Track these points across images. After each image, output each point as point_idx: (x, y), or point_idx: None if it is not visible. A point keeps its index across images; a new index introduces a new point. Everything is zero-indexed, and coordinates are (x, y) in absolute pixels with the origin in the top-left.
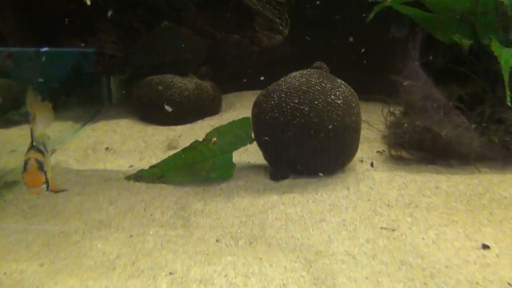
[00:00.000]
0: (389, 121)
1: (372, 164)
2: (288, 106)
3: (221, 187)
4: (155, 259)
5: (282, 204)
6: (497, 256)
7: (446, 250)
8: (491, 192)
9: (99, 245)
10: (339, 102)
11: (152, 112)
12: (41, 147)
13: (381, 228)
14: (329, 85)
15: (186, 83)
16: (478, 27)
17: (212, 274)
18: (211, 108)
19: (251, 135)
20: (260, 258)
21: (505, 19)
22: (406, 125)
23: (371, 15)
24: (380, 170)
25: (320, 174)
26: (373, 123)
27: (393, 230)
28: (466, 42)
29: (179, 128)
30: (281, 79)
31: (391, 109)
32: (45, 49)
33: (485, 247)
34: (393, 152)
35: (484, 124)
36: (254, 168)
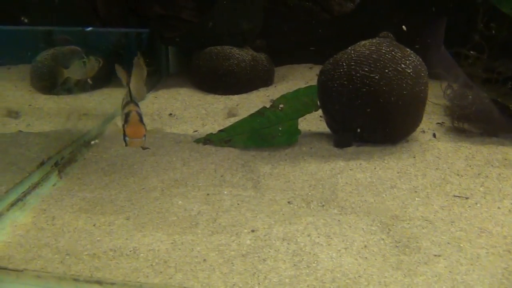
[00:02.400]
0: (451, 93)
1: (434, 135)
2: (358, 74)
3: (286, 153)
4: (235, 216)
5: (350, 170)
6: None
7: None
8: None
9: (180, 202)
10: (409, 71)
11: (210, 81)
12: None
13: (454, 196)
14: (400, 54)
15: (243, 55)
16: None
17: (294, 233)
18: (265, 79)
19: (317, 103)
20: (339, 220)
21: None
22: (471, 96)
23: None
24: (443, 140)
25: (385, 142)
26: (430, 97)
27: (466, 198)
28: None
29: (236, 97)
30: (350, 47)
31: (450, 83)
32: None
33: None
34: (456, 124)
35: None
36: (316, 135)
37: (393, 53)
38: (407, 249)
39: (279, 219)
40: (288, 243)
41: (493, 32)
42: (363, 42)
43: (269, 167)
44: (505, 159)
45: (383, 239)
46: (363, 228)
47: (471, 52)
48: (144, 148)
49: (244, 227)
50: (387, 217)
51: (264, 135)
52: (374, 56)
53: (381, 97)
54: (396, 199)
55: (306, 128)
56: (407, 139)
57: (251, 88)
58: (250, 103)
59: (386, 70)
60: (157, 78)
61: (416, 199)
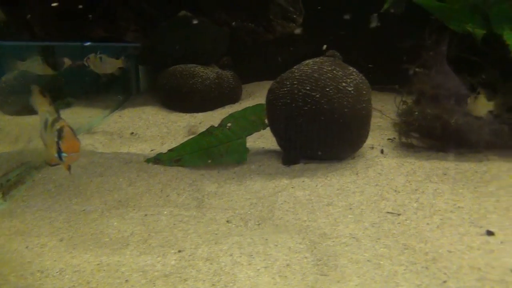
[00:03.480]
0: (401, 110)
1: (382, 151)
2: (300, 93)
3: (235, 171)
4: (166, 237)
5: (292, 187)
6: (501, 243)
7: (450, 235)
8: (499, 180)
9: (115, 223)
10: (350, 89)
11: (175, 99)
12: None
13: (387, 212)
14: (341, 73)
15: (208, 73)
16: (492, 16)
17: (218, 253)
18: (231, 96)
19: (265, 121)
20: (266, 239)
21: None
22: (416, 113)
23: (386, 5)
24: (390, 156)
25: (330, 159)
26: (387, 112)
27: (398, 215)
28: (479, 32)
29: (200, 115)
30: (295, 66)
31: (404, 98)
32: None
33: (490, 233)
34: (403, 140)
35: (495, 113)
36: (268, 153)
37: (334, 72)
38: (325, 267)
39: (208, 239)
40: (210, 263)
41: (444, 48)
42: (307, 61)
43: (215, 186)
44: (445, 174)
45: (306, 257)
46: (290, 247)
47: (420, 68)
48: (69, 169)
49: (172, 248)
50: (316, 235)
51: (213, 154)
52: (315, 75)
53: (323, 115)
54: (329, 216)
55: (261, 145)
56: (354, 155)
57: (217, 106)
58: (213, 120)
59: (327, 89)
60: (124, 97)
61: (349, 216)
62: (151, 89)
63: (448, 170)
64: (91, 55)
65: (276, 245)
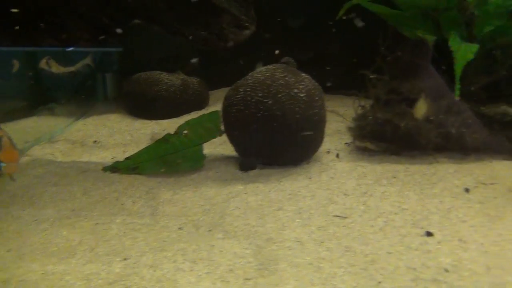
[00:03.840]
0: (356, 114)
1: (337, 155)
2: (253, 100)
3: (192, 178)
4: (114, 245)
5: (245, 193)
6: (439, 243)
7: (392, 237)
8: (445, 181)
9: (64, 233)
10: (302, 95)
11: (140, 107)
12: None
13: (334, 216)
14: (293, 79)
15: (173, 79)
16: (442, 23)
17: (162, 260)
18: (198, 103)
19: (221, 128)
20: (212, 245)
21: (468, 15)
22: (370, 117)
23: (341, 13)
24: (345, 160)
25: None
26: (348, 117)
27: (345, 218)
28: (430, 38)
29: (165, 122)
30: (249, 73)
31: (362, 103)
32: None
33: (429, 234)
34: (358, 144)
35: (441, 116)
36: (226, 159)
37: (286, 78)
38: (266, 272)
39: (155, 247)
40: (154, 270)
41: (399, 54)
42: (260, 69)
43: (171, 193)
44: (394, 177)
45: (250, 262)
46: (235, 252)
47: (374, 74)
48: (13, 179)
49: (119, 256)
50: (263, 240)
51: (169, 161)
52: (268, 82)
53: (275, 121)
54: (277, 221)
55: (220, 152)
56: (310, 160)
57: (183, 112)
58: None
59: (279, 95)
60: (90, 104)
61: (297, 220)
62: (118, 96)
63: (398, 172)
64: (43, 60)
65: (222, 251)
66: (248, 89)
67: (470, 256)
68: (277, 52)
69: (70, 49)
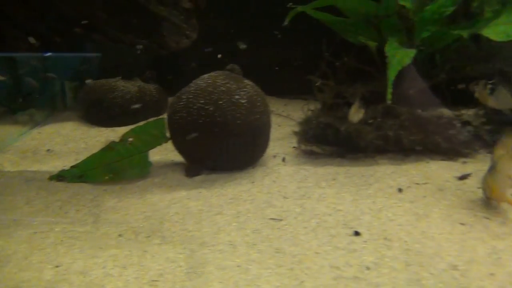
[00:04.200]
0: (302, 119)
1: (284, 159)
2: (195, 107)
3: (138, 185)
4: (48, 253)
5: (187, 199)
6: (365, 242)
7: (322, 237)
8: (381, 182)
9: (0, 242)
10: (243, 101)
11: (96, 114)
12: None
13: (270, 219)
14: (235, 86)
15: (129, 86)
16: (383, 29)
17: (92, 266)
18: (155, 109)
19: (166, 135)
20: (145, 251)
21: (408, 22)
22: (314, 121)
23: (287, 20)
24: (290, 164)
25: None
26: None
27: (280, 220)
28: (372, 44)
29: (121, 130)
30: (193, 81)
31: (312, 107)
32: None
33: (357, 234)
34: (303, 147)
35: (378, 120)
36: (174, 165)
37: (228, 85)
38: (193, 275)
39: (89, 253)
40: (84, 276)
41: (345, 59)
42: (203, 76)
43: (116, 201)
44: (334, 179)
45: (181, 266)
46: (168, 257)
47: (319, 80)
48: None
49: (51, 263)
50: (197, 244)
51: (115, 169)
52: (209, 89)
53: (216, 128)
54: (214, 225)
55: (170, 158)
56: (256, 164)
57: (139, 119)
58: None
59: (220, 102)
60: (47, 112)
61: (233, 224)
62: (76, 104)
63: (338, 175)
64: None
65: (154, 256)
66: (190, 96)
67: (393, 254)
68: (219, 56)
69: (48, 54)
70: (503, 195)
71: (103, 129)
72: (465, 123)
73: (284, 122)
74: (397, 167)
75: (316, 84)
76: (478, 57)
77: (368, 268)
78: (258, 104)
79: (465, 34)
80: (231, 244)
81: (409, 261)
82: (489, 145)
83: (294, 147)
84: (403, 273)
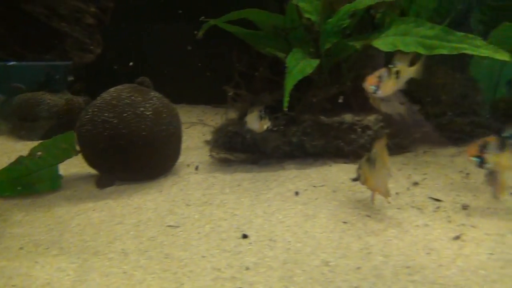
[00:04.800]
0: (215, 127)
1: (197, 168)
2: (99, 119)
3: (48, 198)
4: None
5: (93, 210)
6: (250, 244)
7: (212, 241)
8: (281, 187)
9: None
10: (148, 113)
11: (22, 128)
12: None
13: (168, 226)
14: (140, 99)
15: (56, 100)
16: (291, 40)
17: None
18: None
19: (75, 148)
20: (36, 261)
21: (314, 33)
22: (224, 130)
23: (201, 33)
24: (201, 172)
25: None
26: None
27: (177, 227)
28: (281, 55)
29: None
30: (100, 94)
31: (230, 115)
32: None
33: (245, 236)
34: (214, 155)
35: (281, 127)
36: (89, 177)
37: (132, 97)
38: (78, 283)
39: None
40: None
41: (260, 69)
42: (110, 89)
43: (23, 215)
44: (239, 185)
45: (69, 275)
46: (59, 267)
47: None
48: None
49: None
50: (90, 254)
51: (24, 183)
52: (114, 102)
53: (121, 140)
54: (112, 235)
55: (87, 171)
56: (168, 174)
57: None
58: None
59: (124, 114)
60: None
61: (131, 232)
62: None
63: (244, 181)
64: None
65: (44, 266)
66: (95, 110)
67: (274, 254)
68: (131, 63)
69: (11, 63)
70: (377, 186)
71: (29, 142)
72: (366, 127)
73: (210, 130)
74: (301, 171)
75: (229, 94)
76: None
77: (247, 268)
78: (164, 115)
79: (358, 45)
80: (123, 252)
81: (287, 259)
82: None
83: (210, 155)
84: (278, 271)
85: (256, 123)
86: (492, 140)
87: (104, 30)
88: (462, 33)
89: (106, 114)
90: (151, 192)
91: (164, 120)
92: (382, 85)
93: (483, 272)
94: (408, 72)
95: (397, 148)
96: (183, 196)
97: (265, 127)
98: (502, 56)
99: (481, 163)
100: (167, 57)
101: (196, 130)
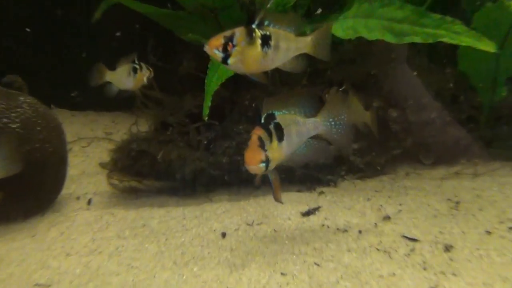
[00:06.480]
0: (115, 146)
1: (89, 201)
2: None
3: None
4: None
5: None
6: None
7: None
8: (204, 226)
9: None
10: (13, 126)
11: None
12: None
13: (35, 285)
14: (3, 106)
15: None
16: (223, 22)
17: None
18: None
19: None
20: None
21: (251, 11)
22: (126, 149)
23: (98, 14)
24: (95, 207)
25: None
26: None
27: (48, 286)
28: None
29: None
30: None
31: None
32: None
33: None
34: (117, 183)
35: (206, 142)
36: None
37: None
38: None
39: None
40: None
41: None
42: None
43: None
44: (144, 225)
45: None
46: None
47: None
48: None
49: None
50: None
51: None
52: None
53: None
54: None
55: None
56: (46, 210)
57: None
58: None
59: None
60: None
61: None
62: None
63: (152, 219)
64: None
65: None
66: None
67: None
68: None
69: None
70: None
71: None
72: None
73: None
74: (234, 204)
75: (139, 97)
76: (346, 58)
77: None
78: (39, 128)
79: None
80: None
81: None
82: (357, 170)
83: (112, 183)
84: None
85: (129, 78)
86: (240, 30)
87: None
88: (438, 16)
89: None
90: (19, 238)
91: (38, 136)
92: (236, 52)
93: None
94: (292, 40)
95: (369, 169)
96: (63, 242)
97: (144, 80)
98: (486, 45)
99: (225, 58)
100: (58, 49)
101: (99, 148)
